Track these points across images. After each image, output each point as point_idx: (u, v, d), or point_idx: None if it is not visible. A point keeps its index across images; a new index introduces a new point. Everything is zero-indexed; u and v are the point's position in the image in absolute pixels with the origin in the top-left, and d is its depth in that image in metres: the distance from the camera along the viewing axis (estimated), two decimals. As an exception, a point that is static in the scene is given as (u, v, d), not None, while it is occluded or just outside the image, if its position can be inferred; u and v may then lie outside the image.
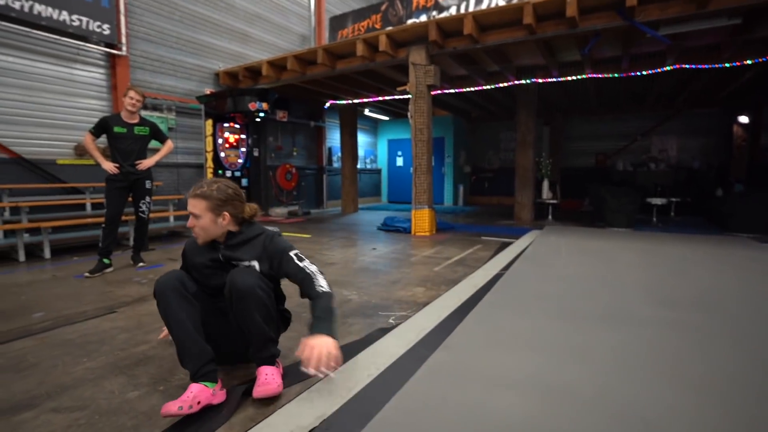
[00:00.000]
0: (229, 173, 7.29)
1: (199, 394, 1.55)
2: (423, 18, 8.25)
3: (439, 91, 7.86)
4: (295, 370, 1.90)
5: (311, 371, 1.42)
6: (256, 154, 7.51)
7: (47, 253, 4.85)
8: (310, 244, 5.58)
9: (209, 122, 6.96)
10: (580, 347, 1.90)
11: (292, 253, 1.78)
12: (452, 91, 8.30)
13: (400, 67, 6.88)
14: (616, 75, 7.00)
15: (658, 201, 7.65)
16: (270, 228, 1.94)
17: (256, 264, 1.78)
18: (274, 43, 9.35)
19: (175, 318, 1.65)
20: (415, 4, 8.46)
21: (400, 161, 13.24)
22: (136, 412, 1.61)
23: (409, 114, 6.34)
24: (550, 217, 8.11)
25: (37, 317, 2.76)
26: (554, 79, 7.30)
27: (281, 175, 8.76)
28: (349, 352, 2.08)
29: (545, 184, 8.22)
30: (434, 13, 8.14)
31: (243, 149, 7.48)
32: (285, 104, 8.37)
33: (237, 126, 7.32)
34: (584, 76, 7.08)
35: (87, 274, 3.87)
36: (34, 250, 4.93)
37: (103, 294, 3.30)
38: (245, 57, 8.47)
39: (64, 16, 5.69)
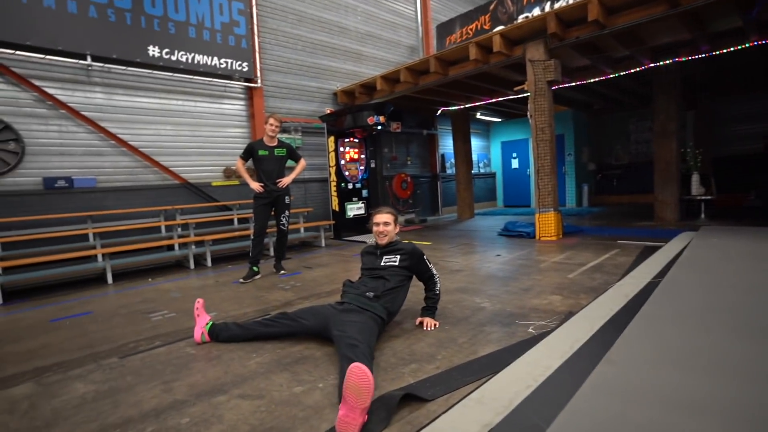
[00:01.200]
0: (350, 185, 7.73)
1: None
2: (536, 11, 7.82)
3: (558, 86, 7.34)
4: (444, 378, 1.92)
5: (429, 329, 2.59)
6: (372, 165, 7.87)
7: (209, 262, 5.69)
8: (432, 251, 5.61)
9: (331, 139, 7.51)
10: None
11: (425, 257, 2.72)
12: (573, 84, 7.68)
13: (514, 66, 6.60)
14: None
15: None
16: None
17: (397, 259, 2.66)
18: (384, 57, 9.74)
19: None
20: (526, -2, 8.08)
21: (515, 163, 12.66)
22: (304, 406, 1.77)
23: (528, 114, 6.04)
24: (702, 215, 6.94)
25: (212, 315, 3.22)
26: (703, 55, 6.28)
27: (397, 185, 9.03)
28: (497, 361, 2.02)
29: (695, 177, 7.08)
30: (548, 4, 7.67)
31: (362, 162, 7.89)
32: (398, 115, 8.64)
33: (356, 140, 7.75)
34: (747, 45, 5.91)
35: (241, 281, 4.43)
36: (199, 259, 5.82)
37: (257, 298, 3.74)
38: (359, 74, 8.98)
39: (215, 61, 6.70)
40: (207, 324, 2.62)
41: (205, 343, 2.59)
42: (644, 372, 1.65)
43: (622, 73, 7.07)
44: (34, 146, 5.21)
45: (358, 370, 1.55)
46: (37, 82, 5.21)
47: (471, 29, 9.20)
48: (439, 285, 2.74)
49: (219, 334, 2.59)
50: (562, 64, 6.18)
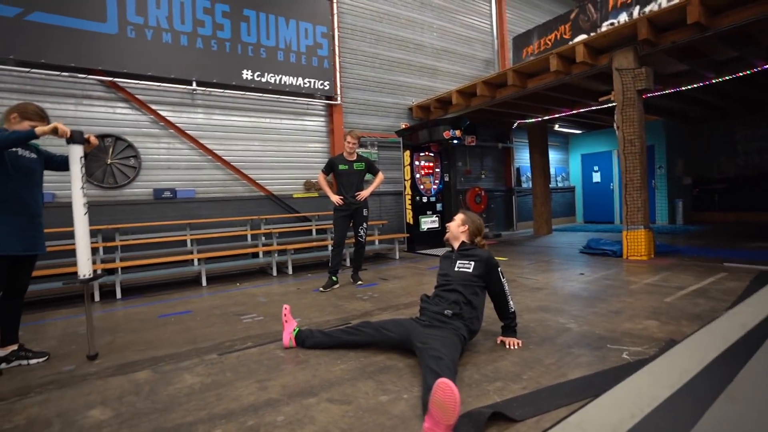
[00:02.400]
0: (425, 198, 7.78)
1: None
2: (623, 17, 7.38)
3: (650, 95, 6.82)
4: (533, 399, 1.85)
5: (512, 347, 2.54)
6: (446, 179, 7.85)
7: (290, 270, 6.02)
8: (509, 267, 5.44)
9: (407, 153, 7.64)
10: None
11: (499, 269, 2.61)
12: (666, 92, 7.09)
13: (598, 75, 6.26)
14: None
15: None
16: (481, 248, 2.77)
17: (472, 264, 2.60)
18: (459, 72, 9.75)
19: None
20: (611, 4, 7.66)
21: (596, 177, 11.89)
22: (391, 415, 1.80)
23: (615, 125, 5.67)
24: (834, 238, 5.98)
25: (296, 322, 3.41)
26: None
27: (471, 199, 8.90)
28: (590, 385, 1.91)
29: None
30: (636, 8, 7.19)
31: (436, 175, 7.91)
32: (472, 129, 8.57)
33: (431, 154, 7.81)
34: None
35: (321, 289, 4.63)
36: (281, 267, 6.18)
37: (337, 307, 3.89)
38: (434, 89, 9.06)
39: (300, 81, 7.17)
40: (294, 330, 2.77)
41: (292, 347, 2.74)
42: (772, 413, 1.46)
43: (727, 78, 6.39)
44: (147, 161, 5.94)
45: (444, 386, 1.55)
46: (153, 106, 5.97)
47: (550, 40, 8.90)
48: (511, 303, 2.60)
49: (305, 340, 2.71)
50: (655, 71, 5.74)
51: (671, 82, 7.00)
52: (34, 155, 2.71)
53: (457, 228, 2.80)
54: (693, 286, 3.89)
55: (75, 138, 2.58)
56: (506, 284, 2.60)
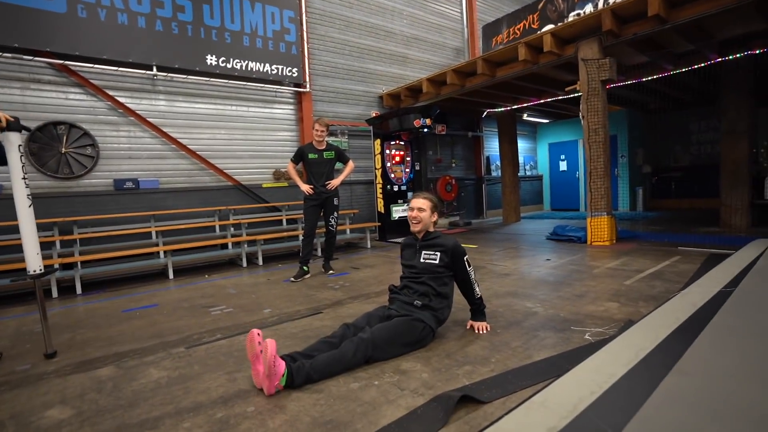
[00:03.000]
0: (396, 187, 7.79)
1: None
2: (589, 8, 7.54)
3: (613, 85, 7.04)
4: (500, 381, 1.91)
5: (481, 332, 2.57)
6: (417, 168, 7.89)
7: (260, 261, 5.93)
8: (478, 255, 5.55)
9: (377, 142, 7.60)
10: None
11: (465, 258, 2.53)
12: (629, 82, 7.34)
13: (565, 65, 6.41)
14: None
15: None
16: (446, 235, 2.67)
17: (438, 255, 2.52)
18: (429, 60, 9.74)
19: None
20: (577, -5, 7.81)
21: (563, 165, 12.24)
22: (362, 401, 1.82)
23: (580, 114, 5.83)
24: (777, 222, 6.41)
25: (266, 313, 3.38)
26: (778, 49, 5.81)
27: (441, 187, 8.99)
28: (554, 366, 1.98)
29: (768, 180, 6.55)
30: (601, 0, 7.37)
31: (407, 164, 7.92)
32: (443, 118, 8.61)
33: (401, 143, 7.81)
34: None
35: (292, 279, 4.59)
36: (251, 258, 6.07)
37: (308, 297, 3.86)
38: (405, 77, 9.03)
39: (267, 67, 6.97)
40: (283, 376, 1.92)
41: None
42: (721, 384, 1.56)
43: (684, 70, 6.67)
44: (106, 150, 5.66)
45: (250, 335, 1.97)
46: (110, 92, 5.66)
47: (518, 29, 9.01)
48: (477, 289, 2.57)
49: (294, 380, 1.95)
50: (618, 62, 5.92)
51: (633, 73, 7.24)
52: None
53: (430, 218, 2.59)
54: (650, 270, 4.09)
55: (12, 126, 2.42)
56: (472, 272, 2.55)
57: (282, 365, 1.92)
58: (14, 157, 2.44)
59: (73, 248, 5.08)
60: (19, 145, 2.47)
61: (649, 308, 2.82)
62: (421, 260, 2.56)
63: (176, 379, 2.16)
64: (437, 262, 2.51)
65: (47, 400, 2.01)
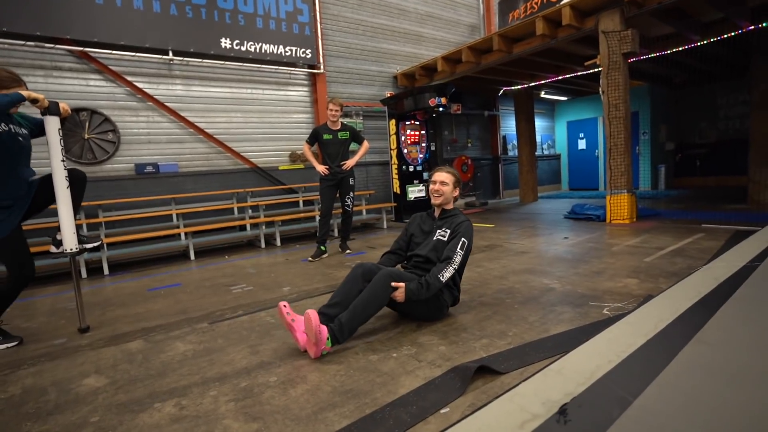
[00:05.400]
0: (411, 168, 7.76)
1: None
2: (611, -23, 7.23)
3: (635, 58, 6.79)
4: (518, 353, 1.93)
5: (396, 297, 2.22)
6: (432, 148, 7.82)
7: (278, 242, 6.03)
8: (495, 234, 5.53)
9: (392, 122, 7.55)
10: None
11: (463, 238, 2.39)
12: (652, 55, 7.07)
13: (584, 39, 6.20)
14: None
15: None
16: (464, 214, 2.59)
17: (447, 233, 2.47)
18: (444, 38, 9.55)
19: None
20: (599, -36, 7.49)
21: (582, 144, 11.97)
22: (380, 372, 1.86)
23: (600, 89, 5.67)
24: (807, 198, 6.17)
25: (286, 290, 3.46)
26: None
27: (457, 167, 8.91)
28: (572, 339, 2.00)
29: (799, 155, 6.28)
30: (624, -32, 7.05)
31: (423, 144, 7.87)
32: (458, 97, 8.48)
33: (417, 123, 7.74)
34: None
35: (310, 259, 4.66)
36: (269, 239, 6.17)
37: (325, 275, 3.93)
38: (419, 56, 8.88)
39: (281, 49, 6.95)
40: (327, 339, 2.03)
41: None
42: (742, 354, 1.55)
43: (712, 40, 6.38)
44: (127, 135, 5.77)
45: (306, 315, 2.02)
46: (129, 78, 5.74)
47: (536, 3, 8.70)
48: (448, 274, 2.27)
49: (339, 339, 2.08)
50: (641, 34, 5.70)
51: (657, 46, 6.97)
52: (26, 131, 2.59)
53: (452, 192, 2.55)
54: (672, 247, 4.01)
55: (51, 109, 2.49)
56: (459, 257, 2.33)
57: (325, 331, 2.02)
58: (54, 140, 2.51)
59: (99, 231, 5.25)
60: (59, 129, 2.54)
61: (670, 284, 2.79)
62: (435, 238, 2.49)
63: (201, 351, 2.25)
64: (445, 239, 2.46)
65: (84, 370, 2.12)
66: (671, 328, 1.79)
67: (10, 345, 2.54)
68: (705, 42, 6.50)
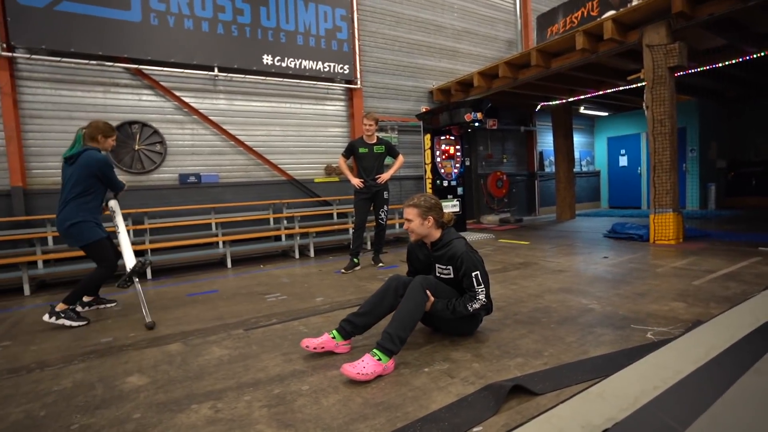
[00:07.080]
0: (446, 182, 7.72)
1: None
2: (656, -10, 7.04)
3: (683, 72, 6.53)
4: (554, 374, 1.86)
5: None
6: (467, 163, 7.76)
7: (312, 253, 6.12)
8: (531, 251, 5.39)
9: (427, 137, 7.56)
10: None
11: (473, 273, 2.24)
12: (701, 69, 6.77)
13: (627, 53, 6.04)
14: None
15: None
16: (461, 236, 2.42)
17: (450, 269, 2.32)
18: (480, 53, 9.55)
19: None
20: (643, -22, 7.31)
21: (623, 161, 11.55)
22: (412, 386, 1.84)
23: (644, 105, 5.48)
24: None
25: (318, 301, 3.50)
26: None
27: (492, 183, 8.80)
28: (612, 362, 1.90)
29: None
30: (670, -19, 6.84)
31: (457, 159, 7.83)
32: (494, 112, 8.40)
33: (452, 138, 7.72)
34: None
35: (343, 270, 4.70)
36: (302, 250, 6.28)
37: (358, 287, 3.95)
38: (455, 72, 8.91)
39: (319, 65, 7.17)
40: (379, 361, 1.97)
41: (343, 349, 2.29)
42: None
43: (769, 53, 6.05)
44: (173, 147, 6.09)
45: (344, 371, 1.93)
46: (177, 93, 6.08)
47: (576, 17, 8.58)
48: (477, 305, 2.22)
49: (393, 351, 2.01)
50: (689, 47, 5.49)
51: (706, 59, 6.68)
52: None
53: (422, 224, 2.32)
54: (724, 270, 3.78)
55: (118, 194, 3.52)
56: (482, 291, 2.23)
57: (379, 364, 1.94)
58: (119, 219, 3.41)
59: (144, 237, 5.52)
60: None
61: (723, 310, 2.61)
62: (437, 274, 2.38)
63: (237, 357, 2.30)
64: (453, 276, 2.31)
65: (127, 368, 2.22)
66: (725, 356, 1.67)
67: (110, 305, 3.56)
68: (762, 54, 6.17)
